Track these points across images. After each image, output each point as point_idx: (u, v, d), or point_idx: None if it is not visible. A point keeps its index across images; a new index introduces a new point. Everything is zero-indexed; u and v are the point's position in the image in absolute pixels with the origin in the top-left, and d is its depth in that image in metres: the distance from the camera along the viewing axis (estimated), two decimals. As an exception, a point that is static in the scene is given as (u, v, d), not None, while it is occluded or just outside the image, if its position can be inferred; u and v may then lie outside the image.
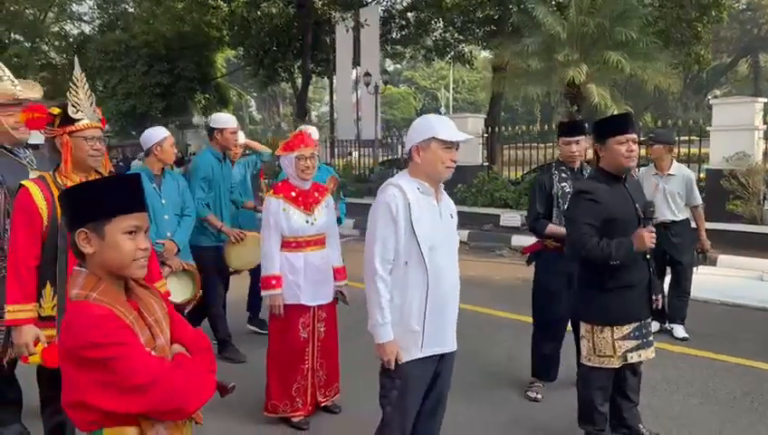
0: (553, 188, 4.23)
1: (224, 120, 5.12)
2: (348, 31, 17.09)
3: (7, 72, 3.49)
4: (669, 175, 5.53)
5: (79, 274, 1.68)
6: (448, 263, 2.75)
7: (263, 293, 3.89)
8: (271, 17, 15.18)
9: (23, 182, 2.94)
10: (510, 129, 14.08)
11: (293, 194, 3.86)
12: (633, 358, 3.37)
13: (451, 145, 2.67)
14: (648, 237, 3.13)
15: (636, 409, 3.61)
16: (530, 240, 10.48)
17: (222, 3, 18.42)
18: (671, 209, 5.52)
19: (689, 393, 4.37)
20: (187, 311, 4.38)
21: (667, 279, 5.77)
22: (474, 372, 4.79)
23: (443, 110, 52.17)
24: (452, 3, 13.26)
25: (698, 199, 5.66)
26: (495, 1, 12.59)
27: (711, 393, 4.37)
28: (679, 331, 5.61)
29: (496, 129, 14.31)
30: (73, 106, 2.85)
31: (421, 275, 2.66)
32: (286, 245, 3.83)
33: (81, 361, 1.55)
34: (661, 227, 5.34)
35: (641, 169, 5.88)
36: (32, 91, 3.58)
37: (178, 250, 4.38)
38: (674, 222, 5.51)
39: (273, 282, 3.79)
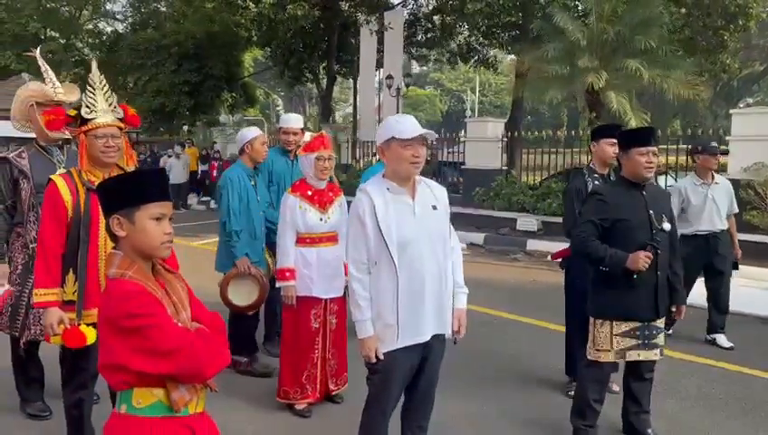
0: None
1: (284, 118, 5.36)
2: (372, 34, 17.30)
3: (51, 75, 3.77)
4: (716, 184, 5.65)
5: (115, 256, 1.92)
6: (426, 256, 2.85)
7: (277, 284, 4.11)
8: (296, 19, 15.45)
9: (51, 176, 3.18)
10: (532, 133, 14.17)
11: (309, 193, 4.07)
12: (632, 356, 3.53)
13: (411, 142, 2.79)
14: (641, 261, 3.33)
15: (644, 415, 3.74)
16: (546, 244, 10.74)
17: (251, 3, 18.72)
18: (720, 218, 5.60)
19: (683, 397, 4.49)
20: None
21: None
22: (480, 370, 4.96)
23: (468, 112, 52.09)
24: (474, 9, 13.39)
25: (736, 208, 5.82)
26: (518, 7, 12.68)
27: (704, 397, 4.48)
28: (723, 340, 5.65)
29: (516, 133, 14.38)
30: (87, 107, 3.06)
31: (391, 273, 2.80)
32: (301, 240, 4.04)
33: (120, 329, 1.80)
34: (708, 238, 5.55)
35: (684, 178, 6.06)
36: (71, 94, 3.84)
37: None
38: (722, 231, 5.61)
39: (287, 274, 4.01)
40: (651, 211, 3.50)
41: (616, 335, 3.51)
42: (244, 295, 4.48)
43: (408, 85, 16.99)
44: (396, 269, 2.80)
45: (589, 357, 3.63)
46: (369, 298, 2.85)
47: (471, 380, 4.75)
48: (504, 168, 13.81)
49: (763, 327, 6.38)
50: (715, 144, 6.10)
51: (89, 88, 3.07)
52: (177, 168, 17.72)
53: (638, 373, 3.70)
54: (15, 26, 26.07)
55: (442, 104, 66.08)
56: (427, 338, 2.92)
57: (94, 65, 3.17)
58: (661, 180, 11.69)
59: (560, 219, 10.79)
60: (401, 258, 2.80)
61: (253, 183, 4.74)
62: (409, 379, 2.98)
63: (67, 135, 3.63)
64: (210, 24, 21.82)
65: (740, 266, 8.23)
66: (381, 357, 2.84)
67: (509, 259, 10.60)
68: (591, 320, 3.62)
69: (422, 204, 2.90)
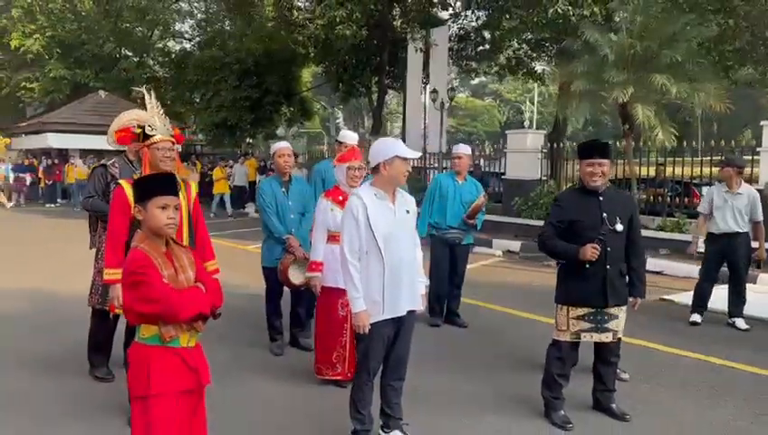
0: None
1: (342, 134, 6.12)
2: (416, 51, 18.03)
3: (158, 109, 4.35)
4: (738, 193, 6.57)
5: (138, 234, 2.71)
6: (402, 248, 3.59)
7: (307, 274, 4.86)
8: (345, 38, 16.33)
9: (119, 181, 4.05)
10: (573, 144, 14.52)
11: (341, 198, 4.74)
12: (586, 337, 4.13)
13: (408, 160, 3.59)
14: (588, 252, 3.92)
15: (608, 393, 4.31)
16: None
17: (308, 23, 19.77)
18: (736, 222, 6.58)
19: (659, 383, 4.98)
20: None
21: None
22: (504, 362, 5.56)
23: (527, 123, 51.95)
24: (509, 26, 13.92)
25: (759, 217, 6.64)
26: (552, 24, 13.11)
27: (680, 384, 4.95)
28: (741, 323, 6.67)
29: (560, 144, 14.73)
30: (149, 126, 3.92)
31: (378, 260, 3.53)
32: (332, 238, 4.69)
33: (126, 283, 2.61)
34: (725, 237, 6.60)
35: (711, 186, 7.01)
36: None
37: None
38: (737, 233, 6.59)
39: (313, 266, 4.74)
40: (605, 214, 4.04)
41: (572, 318, 4.12)
42: (298, 276, 5.25)
43: (451, 99, 17.63)
44: (382, 257, 3.52)
45: (552, 337, 4.23)
46: (361, 280, 3.55)
47: (494, 370, 5.33)
48: (543, 178, 14.21)
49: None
50: (731, 157, 7.18)
51: (150, 111, 3.92)
52: (239, 173, 20.77)
53: (602, 357, 4.28)
54: (94, 47, 28.16)
55: (500, 115, 66.08)
56: (404, 313, 3.62)
57: (146, 94, 4.01)
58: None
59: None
60: (385, 249, 3.53)
61: (283, 190, 5.48)
62: (387, 347, 3.67)
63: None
64: (269, 41, 23.03)
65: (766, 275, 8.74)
66: (369, 328, 3.53)
67: (541, 266, 11.02)
68: (555, 305, 4.22)
69: (399, 208, 3.66)
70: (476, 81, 54.29)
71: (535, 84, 50.03)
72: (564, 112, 14.59)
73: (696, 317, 6.79)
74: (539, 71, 22.12)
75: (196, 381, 2.73)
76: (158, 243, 2.68)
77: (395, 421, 3.77)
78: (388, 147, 3.62)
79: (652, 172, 13.85)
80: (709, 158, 12.35)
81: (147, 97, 4.29)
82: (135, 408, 2.68)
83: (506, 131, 16.20)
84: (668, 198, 12.65)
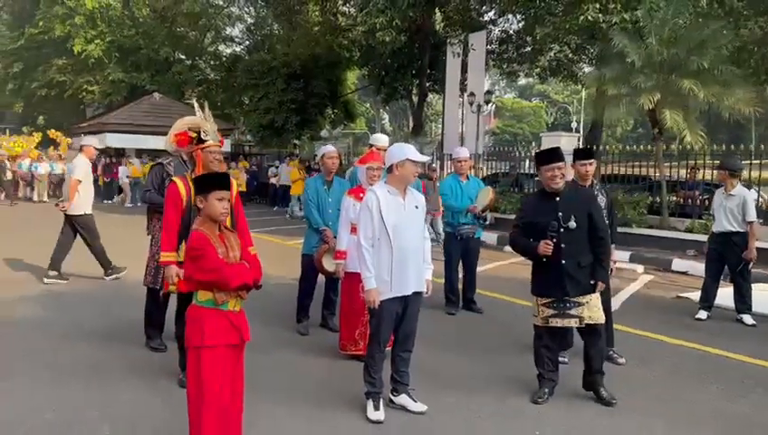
0: None
1: (373, 138, 6.71)
2: (454, 56, 18.53)
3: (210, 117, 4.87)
4: (730, 195, 7.06)
5: (198, 218, 3.41)
6: (410, 237, 4.19)
7: (334, 261, 5.50)
8: (385, 44, 16.96)
9: (172, 178, 4.71)
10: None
11: (362, 195, 5.35)
12: (552, 322, 4.63)
13: (417, 163, 4.18)
14: (541, 248, 4.44)
15: (596, 375, 4.74)
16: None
17: (351, 27, 20.47)
18: (729, 222, 7.06)
19: (651, 368, 5.44)
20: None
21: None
22: (504, 343, 6.08)
23: (574, 124, 51.70)
24: (542, 32, 14.31)
25: (751, 217, 6.98)
26: (585, 30, 13.37)
27: (672, 370, 5.40)
28: (747, 319, 7.01)
29: (595, 147, 15.00)
30: (203, 132, 4.58)
31: (388, 246, 4.14)
32: (356, 230, 5.12)
33: (189, 256, 3.29)
34: (722, 236, 7.09)
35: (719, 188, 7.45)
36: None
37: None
38: (731, 232, 7.04)
39: (338, 255, 5.42)
40: (560, 213, 4.47)
41: (540, 305, 4.67)
42: (331, 264, 5.81)
43: (488, 102, 18.08)
44: (391, 243, 4.13)
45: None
46: (373, 262, 4.15)
47: (502, 353, 5.87)
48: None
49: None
50: (724, 160, 7.64)
51: (203, 120, 4.58)
52: (284, 173, 21.09)
53: (588, 341, 4.73)
54: (149, 51, 29.57)
55: (548, 116, 65.61)
56: (409, 293, 4.22)
57: (197, 107, 4.67)
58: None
59: (619, 227, 11.44)
60: (394, 237, 4.13)
61: (326, 188, 6.13)
62: (396, 322, 4.26)
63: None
64: (315, 45, 23.85)
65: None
66: (380, 299, 4.13)
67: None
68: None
69: (409, 203, 4.27)
70: (523, 81, 54.26)
71: (580, 85, 49.82)
72: (599, 115, 14.86)
73: (701, 314, 7.15)
74: (580, 73, 22.25)
75: (240, 338, 3.40)
76: (214, 227, 3.36)
77: (403, 387, 4.38)
78: (400, 151, 4.23)
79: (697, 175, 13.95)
80: (752, 161, 12.43)
81: (197, 109, 4.87)
82: (190, 357, 3.37)
83: (541, 134, 16.53)
84: (698, 201, 12.82)
